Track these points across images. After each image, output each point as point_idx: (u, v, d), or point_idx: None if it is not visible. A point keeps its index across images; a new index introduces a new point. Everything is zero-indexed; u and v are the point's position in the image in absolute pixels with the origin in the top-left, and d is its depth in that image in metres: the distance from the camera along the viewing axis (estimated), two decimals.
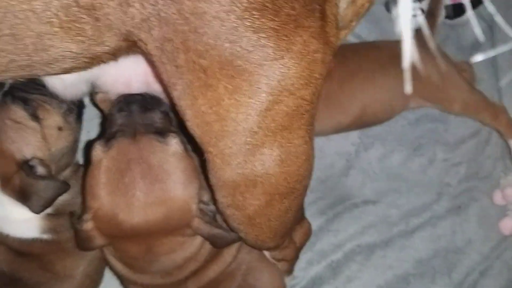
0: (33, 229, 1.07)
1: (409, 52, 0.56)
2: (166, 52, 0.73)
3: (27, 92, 1.04)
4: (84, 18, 0.71)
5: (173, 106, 0.86)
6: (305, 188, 0.93)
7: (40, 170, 1.02)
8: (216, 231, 0.96)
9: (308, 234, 1.20)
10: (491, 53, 1.52)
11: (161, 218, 0.93)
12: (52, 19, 0.71)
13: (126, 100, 0.99)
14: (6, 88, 1.03)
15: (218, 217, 0.99)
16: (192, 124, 0.79)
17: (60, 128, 1.07)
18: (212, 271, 1.06)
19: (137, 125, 0.95)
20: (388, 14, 1.58)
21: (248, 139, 0.78)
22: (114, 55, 0.81)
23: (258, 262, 1.14)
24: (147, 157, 0.92)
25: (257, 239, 0.95)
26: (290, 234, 1.09)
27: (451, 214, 1.47)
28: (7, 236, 1.07)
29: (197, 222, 0.96)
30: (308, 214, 1.38)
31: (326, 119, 1.34)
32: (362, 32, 1.57)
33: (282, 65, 0.72)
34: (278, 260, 1.17)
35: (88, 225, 0.95)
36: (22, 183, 1.00)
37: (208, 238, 0.98)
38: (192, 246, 1.01)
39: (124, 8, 0.70)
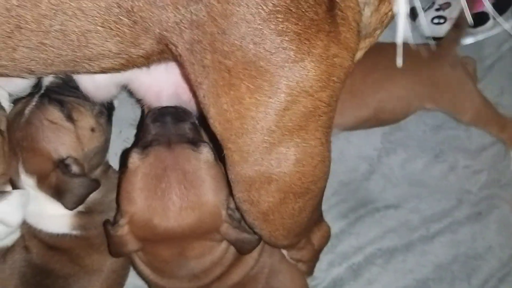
0: (64, 225, 1.10)
1: (402, 27, 0.61)
2: (194, 53, 0.77)
3: (63, 94, 1.08)
4: (123, 20, 0.76)
5: (200, 113, 0.90)
6: (321, 190, 0.95)
7: (75, 168, 1.05)
8: (243, 235, 1.00)
9: (326, 237, 1.23)
10: (480, 37, 1.55)
11: (194, 222, 0.97)
12: (96, 18, 0.76)
13: (160, 111, 1.05)
14: (42, 90, 1.10)
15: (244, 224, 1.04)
16: (214, 121, 0.83)
17: (92, 129, 1.11)
18: (236, 275, 1.10)
19: (171, 135, 1.01)
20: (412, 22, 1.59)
21: (266, 137, 0.81)
22: (148, 59, 0.86)
23: (280, 264, 1.16)
24: (182, 164, 0.97)
25: (271, 236, 0.98)
26: (306, 235, 1.12)
27: (471, 220, 1.49)
28: (40, 231, 1.12)
29: (225, 227, 1.00)
30: (330, 216, 1.41)
31: (348, 110, 1.37)
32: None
33: (302, 67, 0.76)
34: (296, 261, 1.20)
35: (123, 230, 0.99)
36: (58, 181, 1.04)
37: (235, 243, 1.02)
38: (219, 251, 1.05)
39: (159, 12, 0.74)
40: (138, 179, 0.97)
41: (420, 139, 1.54)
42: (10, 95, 1.11)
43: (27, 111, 1.07)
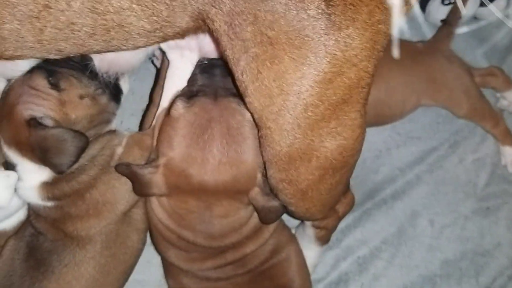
0: (35, 197, 1.09)
1: (397, 18, 0.62)
2: (234, 27, 0.74)
3: (57, 65, 1.07)
4: None
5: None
6: (356, 161, 0.94)
7: (50, 123, 1.03)
8: (272, 203, 0.99)
9: (351, 205, 1.22)
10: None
11: (230, 180, 0.96)
12: None
13: (210, 63, 1.02)
14: (39, 62, 1.07)
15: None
16: (253, 100, 0.80)
17: (81, 97, 1.09)
18: (249, 248, 1.10)
19: (218, 88, 0.99)
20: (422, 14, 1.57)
21: (309, 113, 0.79)
22: (183, 35, 0.83)
23: (288, 244, 1.18)
24: (227, 118, 0.96)
25: (306, 212, 0.97)
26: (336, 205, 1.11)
27: (480, 216, 1.47)
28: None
29: (256, 192, 0.99)
30: None
31: None
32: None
33: (347, 35, 0.73)
34: (319, 228, 1.18)
35: (156, 171, 0.98)
36: (36, 139, 1.02)
37: (261, 210, 1.00)
38: (242, 217, 1.05)
39: None
40: (182, 126, 0.96)
41: (430, 132, 1.53)
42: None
43: (13, 80, 1.06)
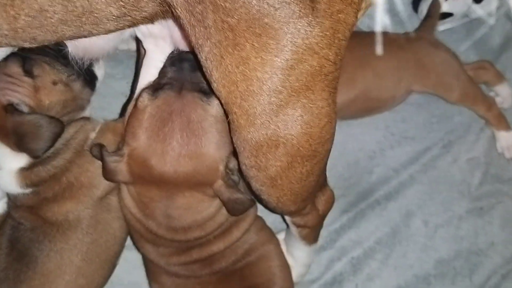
0: (13, 185, 1.12)
1: (381, 16, 0.59)
2: (195, 14, 0.76)
3: (32, 53, 1.10)
4: None
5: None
6: (327, 152, 0.95)
7: (25, 109, 1.08)
8: (237, 195, 1.02)
9: (331, 202, 1.22)
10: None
11: (190, 172, 0.99)
12: None
13: (180, 56, 1.05)
14: (14, 50, 1.09)
15: (241, 186, 1.05)
16: (218, 85, 0.81)
17: (54, 83, 1.13)
18: (217, 247, 1.12)
19: (185, 82, 1.02)
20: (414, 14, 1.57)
21: (273, 99, 0.80)
22: (151, 19, 0.86)
23: (266, 245, 1.20)
24: (188, 112, 0.99)
25: (278, 201, 0.97)
26: (312, 199, 1.11)
27: (474, 215, 1.48)
28: None
29: (219, 184, 1.02)
30: (330, 211, 1.37)
31: None
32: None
33: (307, 23, 0.75)
34: (300, 226, 1.19)
35: (120, 160, 1.02)
36: (12, 125, 1.05)
37: (227, 202, 1.03)
38: (205, 211, 1.07)
39: None
40: (145, 118, 1.00)
41: (424, 131, 1.53)
42: None
43: None
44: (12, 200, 1.15)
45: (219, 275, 1.14)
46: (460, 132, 1.53)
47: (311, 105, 0.83)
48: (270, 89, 0.79)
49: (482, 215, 1.47)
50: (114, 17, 0.82)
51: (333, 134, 0.92)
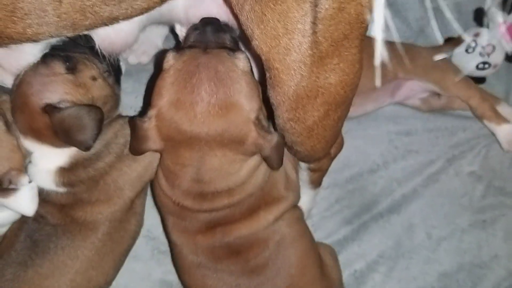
0: (49, 182, 1.13)
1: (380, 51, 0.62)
2: None
3: (68, 50, 1.11)
4: None
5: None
6: (353, 96, 0.99)
7: (66, 105, 1.08)
8: (274, 138, 1.00)
9: (341, 145, 1.26)
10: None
11: (220, 124, 0.98)
12: None
13: (202, 21, 1.07)
14: (47, 50, 1.09)
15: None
16: (260, 42, 0.85)
17: (94, 78, 1.14)
18: (244, 228, 1.09)
19: (209, 42, 1.03)
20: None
21: (314, 51, 0.84)
22: None
23: (296, 237, 1.15)
24: (215, 64, 0.98)
25: (311, 150, 1.02)
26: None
27: (477, 228, 1.50)
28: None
29: (255, 137, 1.00)
30: (334, 223, 1.44)
31: None
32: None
33: None
34: (313, 170, 1.22)
35: (150, 123, 1.00)
36: (54, 124, 1.06)
37: (270, 152, 1.01)
38: (236, 174, 1.06)
39: None
40: (171, 74, 0.99)
41: (428, 145, 1.56)
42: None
43: (22, 72, 1.10)
44: (41, 194, 1.14)
45: (244, 266, 1.10)
46: (464, 147, 1.57)
47: (346, 53, 0.87)
48: (312, 41, 0.83)
49: (485, 228, 1.49)
50: None
51: (360, 79, 0.96)
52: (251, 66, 1.02)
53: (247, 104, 0.99)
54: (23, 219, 1.15)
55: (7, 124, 1.10)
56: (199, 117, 0.97)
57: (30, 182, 1.09)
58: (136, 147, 1.05)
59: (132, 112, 1.45)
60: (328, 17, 0.81)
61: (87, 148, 1.08)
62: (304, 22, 0.81)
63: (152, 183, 1.18)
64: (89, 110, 1.06)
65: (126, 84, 1.47)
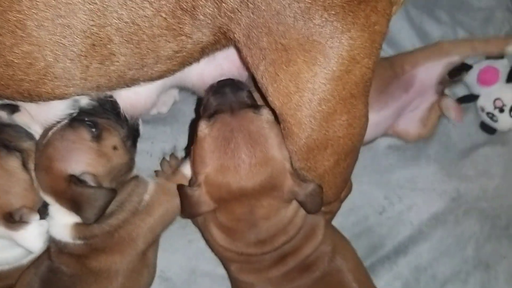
0: (66, 235, 1.18)
1: None
2: (251, 38, 0.90)
3: (96, 116, 1.17)
4: (186, 19, 0.88)
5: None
6: (361, 145, 1.09)
7: (89, 181, 1.13)
8: (310, 186, 1.09)
9: (350, 189, 1.37)
10: None
11: (263, 177, 1.09)
12: (161, 23, 0.88)
13: (219, 84, 1.17)
14: (76, 113, 1.16)
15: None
16: (273, 98, 0.95)
17: (115, 147, 1.20)
18: (307, 249, 1.20)
19: (232, 103, 1.13)
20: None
21: (323, 107, 0.94)
22: (202, 52, 0.97)
23: (341, 242, 1.28)
24: (246, 126, 1.09)
25: (324, 196, 1.09)
26: None
27: (480, 270, 1.54)
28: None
29: (291, 184, 1.10)
30: None
31: None
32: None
33: (349, 37, 0.89)
34: (325, 213, 1.29)
35: (200, 190, 1.10)
36: (73, 195, 1.11)
37: (304, 198, 1.10)
38: (284, 216, 1.15)
39: (218, 5, 0.88)
40: (209, 143, 1.09)
41: (435, 183, 1.59)
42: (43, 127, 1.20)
43: (50, 133, 1.15)
44: (57, 245, 1.19)
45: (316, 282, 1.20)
46: (470, 184, 1.59)
47: (354, 110, 0.96)
48: (321, 98, 0.93)
49: (488, 270, 1.53)
50: (172, 53, 0.93)
51: (366, 129, 1.05)
52: (273, 116, 1.12)
53: (280, 154, 1.09)
54: (36, 271, 1.19)
55: (24, 164, 1.18)
56: (244, 176, 1.08)
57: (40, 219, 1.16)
58: (191, 212, 1.15)
59: (148, 157, 1.52)
60: (336, 78, 0.91)
61: (87, 223, 1.13)
62: (313, 82, 0.91)
63: (208, 243, 1.27)
64: (106, 193, 1.12)
65: (143, 130, 1.54)
